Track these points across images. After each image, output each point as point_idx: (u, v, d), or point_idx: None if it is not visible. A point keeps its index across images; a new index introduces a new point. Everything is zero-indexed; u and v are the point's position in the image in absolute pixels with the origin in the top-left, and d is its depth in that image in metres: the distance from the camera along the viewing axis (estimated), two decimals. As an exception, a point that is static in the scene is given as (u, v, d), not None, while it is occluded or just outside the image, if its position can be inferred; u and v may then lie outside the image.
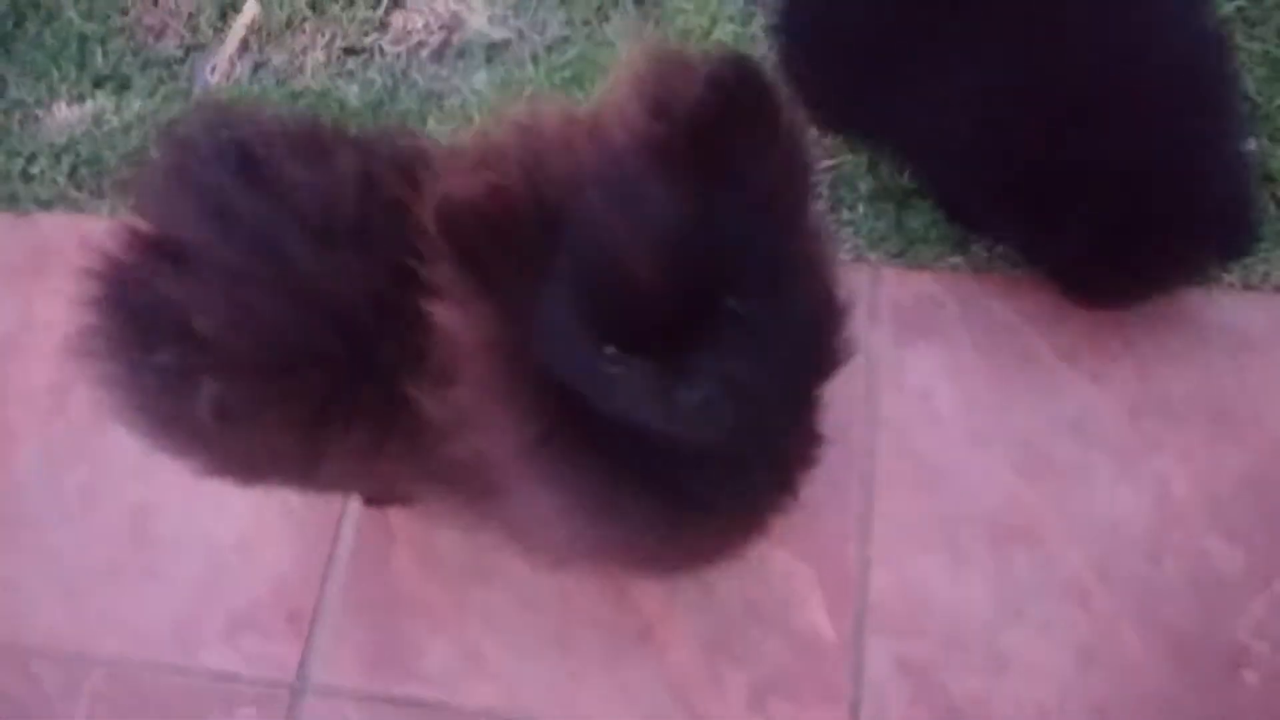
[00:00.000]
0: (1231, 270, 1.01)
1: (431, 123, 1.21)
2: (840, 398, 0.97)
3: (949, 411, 0.97)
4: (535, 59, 1.23)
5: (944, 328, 1.00)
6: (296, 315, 0.67)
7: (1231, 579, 0.90)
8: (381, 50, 1.29)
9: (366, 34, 1.30)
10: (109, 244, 0.71)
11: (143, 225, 0.71)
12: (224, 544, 1.04)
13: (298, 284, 0.67)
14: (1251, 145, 1.07)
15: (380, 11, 1.31)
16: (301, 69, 1.29)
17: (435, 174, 0.62)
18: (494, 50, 1.26)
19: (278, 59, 1.31)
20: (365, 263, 0.66)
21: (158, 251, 0.70)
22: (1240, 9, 1.14)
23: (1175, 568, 0.91)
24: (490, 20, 1.28)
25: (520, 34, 1.26)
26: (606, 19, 1.25)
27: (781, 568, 0.94)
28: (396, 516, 1.01)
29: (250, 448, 0.74)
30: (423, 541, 1.00)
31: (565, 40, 1.25)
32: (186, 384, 0.69)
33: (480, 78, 1.24)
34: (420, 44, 1.29)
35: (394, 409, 0.65)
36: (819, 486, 0.95)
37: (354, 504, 1.02)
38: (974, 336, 0.99)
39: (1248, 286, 1.01)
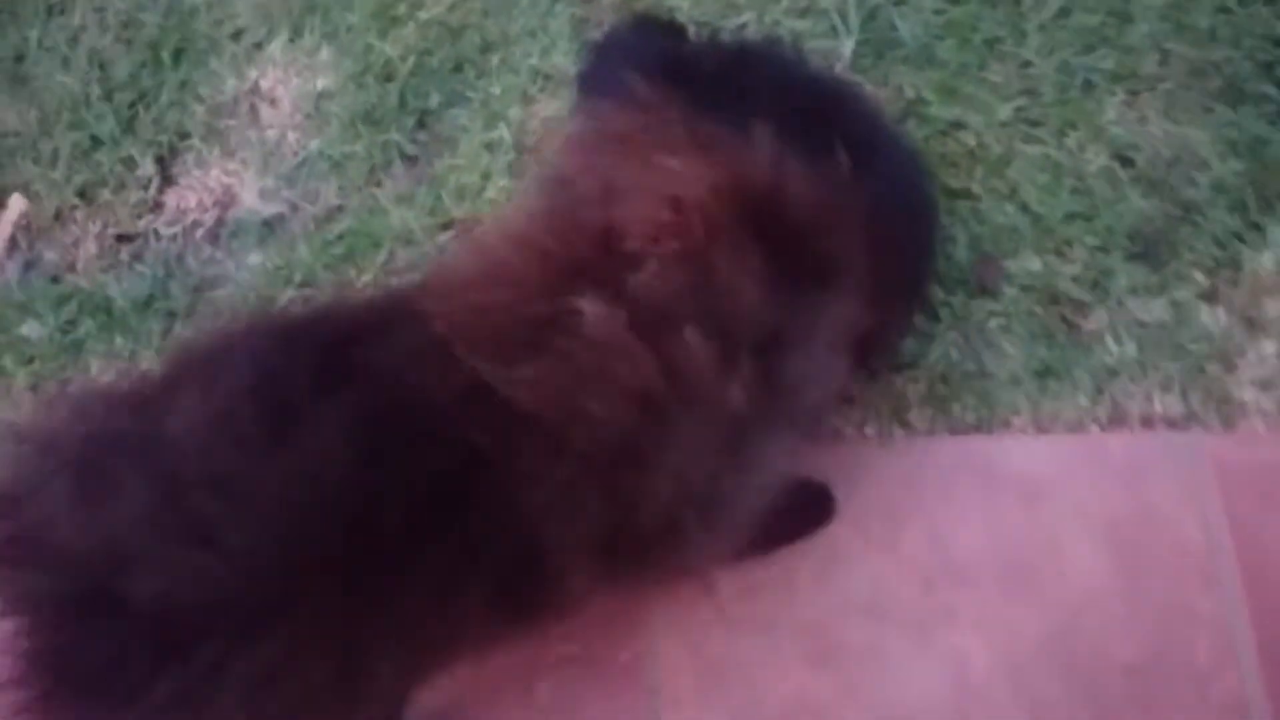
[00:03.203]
0: (1020, 412, 0.97)
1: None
2: (620, 603, 0.94)
3: (731, 603, 0.92)
4: (308, 235, 1.18)
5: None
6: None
7: (1036, 757, 0.86)
8: (157, 234, 1.23)
9: (140, 216, 1.24)
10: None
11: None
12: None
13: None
14: (1035, 265, 1.03)
15: (153, 191, 1.25)
16: (74, 265, 1.23)
17: None
18: (267, 227, 1.20)
19: (49, 255, 1.24)
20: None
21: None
22: (1019, 109, 1.10)
23: (978, 750, 0.87)
24: (262, 194, 1.22)
25: (293, 207, 1.21)
26: (379, 184, 1.19)
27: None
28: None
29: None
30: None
31: (339, 209, 1.19)
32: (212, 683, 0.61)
33: (254, 259, 1.19)
34: (195, 224, 1.23)
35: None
36: (608, 701, 0.92)
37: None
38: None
39: (1039, 430, 0.96)
